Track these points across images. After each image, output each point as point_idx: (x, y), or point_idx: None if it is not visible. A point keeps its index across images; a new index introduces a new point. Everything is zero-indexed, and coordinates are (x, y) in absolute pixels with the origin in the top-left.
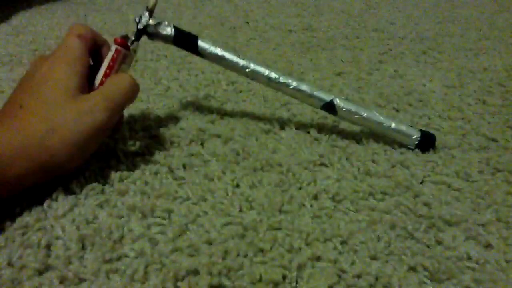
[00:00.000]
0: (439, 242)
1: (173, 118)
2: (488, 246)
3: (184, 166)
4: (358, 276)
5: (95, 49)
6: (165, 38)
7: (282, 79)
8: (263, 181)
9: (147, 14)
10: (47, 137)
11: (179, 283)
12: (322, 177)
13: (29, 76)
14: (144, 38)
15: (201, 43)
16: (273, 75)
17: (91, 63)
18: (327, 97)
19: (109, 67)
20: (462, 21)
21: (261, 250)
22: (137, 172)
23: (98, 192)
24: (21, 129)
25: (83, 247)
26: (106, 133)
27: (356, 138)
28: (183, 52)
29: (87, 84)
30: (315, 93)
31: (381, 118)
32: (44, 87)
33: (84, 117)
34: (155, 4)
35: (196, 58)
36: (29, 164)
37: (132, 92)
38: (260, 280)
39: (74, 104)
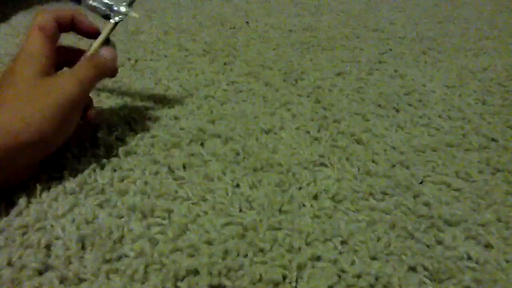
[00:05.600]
0: (439, 242)
1: (173, 118)
2: (488, 246)
3: (184, 166)
4: (358, 276)
5: (64, 27)
6: None
7: None
8: (263, 181)
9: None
10: (21, 128)
11: (179, 283)
12: (322, 177)
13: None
14: (145, 39)
15: None
16: None
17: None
18: None
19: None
20: (462, 21)
21: (261, 250)
22: (137, 172)
23: (98, 192)
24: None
25: (83, 247)
26: (79, 106)
27: (356, 138)
28: (183, 52)
29: (54, 68)
30: None
31: None
32: (9, 83)
33: (54, 91)
34: None
35: (196, 58)
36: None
37: (103, 69)
38: (260, 280)
39: (41, 84)
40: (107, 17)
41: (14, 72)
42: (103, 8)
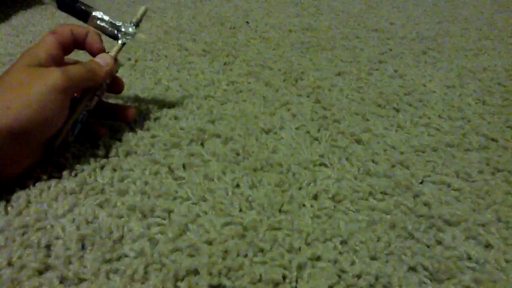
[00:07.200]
0: (439, 242)
1: (173, 118)
2: (488, 246)
3: (184, 166)
4: (358, 276)
5: (80, 42)
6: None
7: None
8: (263, 181)
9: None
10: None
11: (179, 283)
12: (322, 177)
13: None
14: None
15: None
16: None
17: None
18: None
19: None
20: (462, 21)
21: (261, 250)
22: (137, 172)
23: (98, 192)
24: None
25: (83, 247)
26: (62, 98)
27: (356, 138)
28: (183, 52)
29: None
30: None
31: None
32: (5, 71)
33: (37, 79)
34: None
35: (196, 58)
36: None
37: (89, 75)
38: (260, 280)
39: (27, 73)
40: (114, 38)
41: (13, 64)
42: (110, 29)
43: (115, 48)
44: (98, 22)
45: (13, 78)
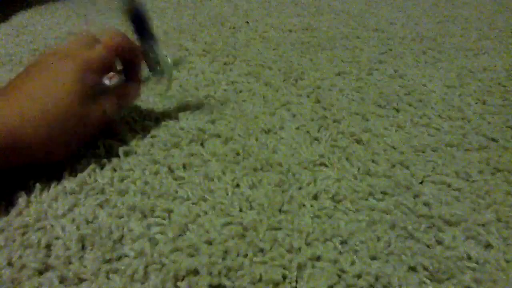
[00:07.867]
0: (439, 242)
1: (173, 118)
2: (488, 246)
3: (184, 166)
4: (358, 276)
5: (128, 55)
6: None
7: None
8: (263, 181)
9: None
10: (17, 120)
11: (179, 283)
12: (322, 177)
13: (36, 64)
14: None
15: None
16: None
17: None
18: None
19: None
20: (462, 21)
21: (261, 250)
22: (137, 172)
23: (98, 192)
24: (4, 108)
25: (83, 247)
26: (83, 125)
27: (356, 138)
28: (183, 52)
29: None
30: None
31: None
32: (38, 73)
33: (59, 100)
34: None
35: (196, 58)
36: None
37: (121, 98)
38: (260, 280)
39: (75, 92)
40: (150, 68)
41: (49, 64)
42: (154, 62)
43: (168, 70)
44: (155, 49)
45: (47, 92)
